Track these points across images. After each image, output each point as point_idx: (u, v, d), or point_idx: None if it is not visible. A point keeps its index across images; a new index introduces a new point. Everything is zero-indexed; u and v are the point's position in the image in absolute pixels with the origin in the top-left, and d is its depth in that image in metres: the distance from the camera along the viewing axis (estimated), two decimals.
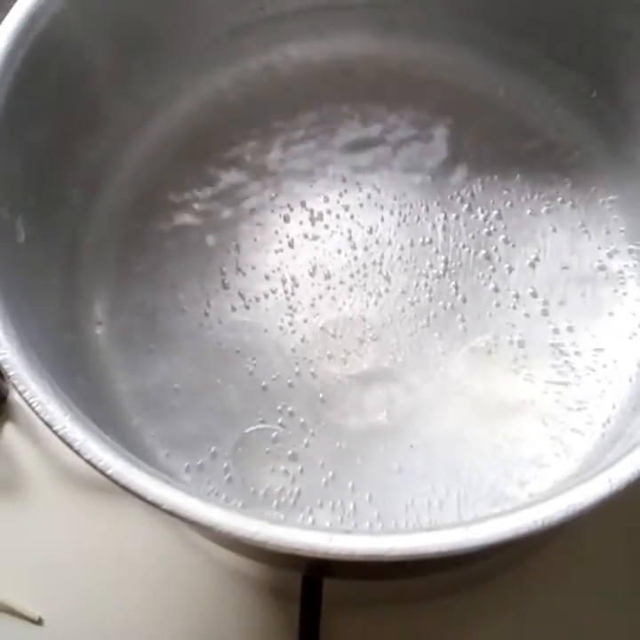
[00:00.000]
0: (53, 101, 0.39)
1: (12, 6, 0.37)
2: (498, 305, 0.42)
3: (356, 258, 0.43)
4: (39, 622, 0.42)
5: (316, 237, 0.44)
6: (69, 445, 0.30)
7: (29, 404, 0.30)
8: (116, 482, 0.29)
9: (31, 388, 0.30)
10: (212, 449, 0.39)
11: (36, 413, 0.30)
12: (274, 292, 0.42)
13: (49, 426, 0.30)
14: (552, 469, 0.39)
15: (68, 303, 0.40)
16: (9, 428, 0.46)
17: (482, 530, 0.28)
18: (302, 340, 0.41)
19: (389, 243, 0.43)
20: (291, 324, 0.42)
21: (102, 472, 0.29)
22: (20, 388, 0.30)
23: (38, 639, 0.42)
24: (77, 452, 0.30)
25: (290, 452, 0.39)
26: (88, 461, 0.29)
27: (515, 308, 0.42)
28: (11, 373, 0.30)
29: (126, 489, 0.29)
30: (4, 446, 0.46)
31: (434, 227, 0.44)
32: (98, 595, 0.43)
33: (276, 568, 0.41)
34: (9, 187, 0.35)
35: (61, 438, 0.30)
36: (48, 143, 0.39)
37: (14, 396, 0.47)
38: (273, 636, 0.41)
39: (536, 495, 0.38)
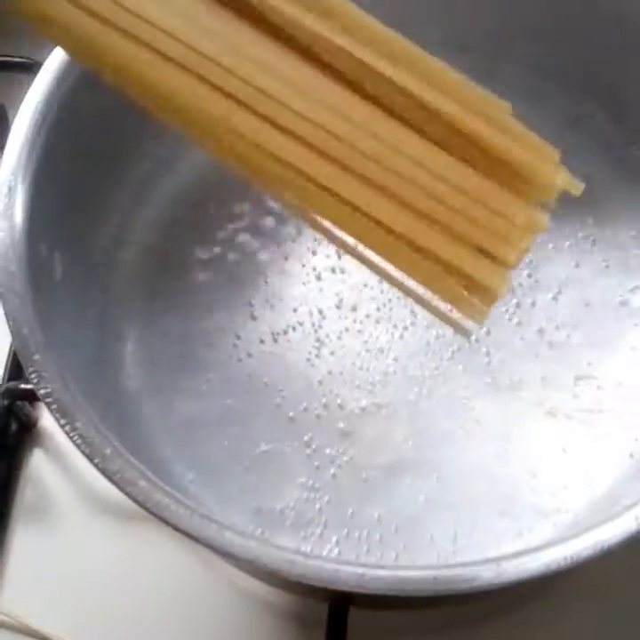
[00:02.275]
0: (82, 152, 0.40)
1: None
2: (522, 338, 0.43)
3: (382, 291, 0.44)
4: None
5: (342, 271, 0.44)
6: (109, 478, 0.30)
7: (70, 438, 0.31)
8: (154, 514, 0.30)
9: (72, 423, 0.31)
10: (240, 479, 0.40)
11: (77, 446, 0.31)
12: (301, 324, 0.43)
13: (89, 459, 0.31)
14: (575, 501, 0.39)
15: (100, 335, 0.41)
16: (38, 454, 0.47)
17: (512, 566, 0.28)
18: (329, 373, 0.42)
19: None
20: (318, 356, 0.43)
21: (141, 505, 0.30)
22: (62, 421, 0.31)
23: None
24: (117, 485, 0.30)
25: (317, 483, 0.40)
26: (128, 494, 0.30)
27: (538, 341, 0.42)
28: (52, 407, 0.31)
29: (164, 521, 0.30)
30: (32, 473, 0.47)
31: None
32: (125, 619, 0.43)
33: (302, 597, 0.41)
34: (47, 225, 0.36)
35: (101, 471, 0.30)
36: (81, 186, 0.40)
37: (43, 423, 0.48)
38: None
39: (560, 526, 0.39)
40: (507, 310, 0.43)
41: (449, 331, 0.43)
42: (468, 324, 0.27)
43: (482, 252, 0.25)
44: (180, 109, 0.26)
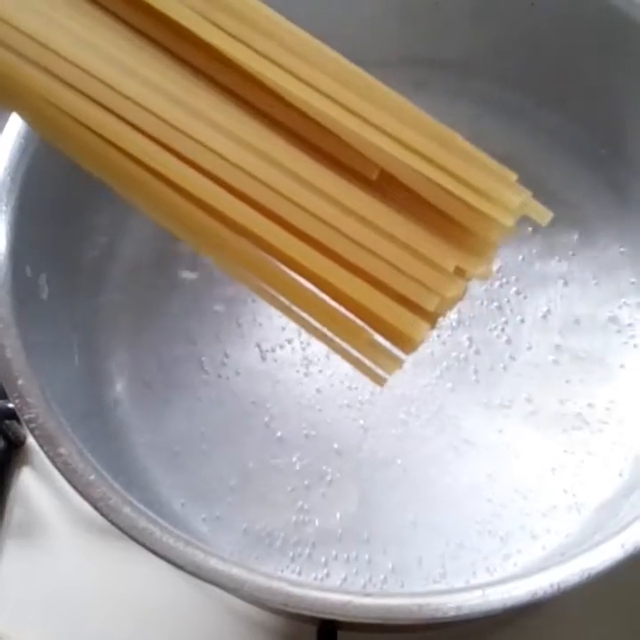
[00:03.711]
0: (66, 172, 0.39)
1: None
2: (511, 357, 0.42)
3: None
4: None
5: None
6: (93, 505, 0.30)
7: (54, 464, 0.31)
8: (138, 542, 0.30)
9: (55, 449, 0.31)
10: (229, 499, 0.40)
11: (60, 473, 0.31)
12: (290, 342, 0.43)
13: (73, 485, 0.30)
14: (564, 522, 0.39)
15: (87, 357, 0.41)
16: (26, 472, 0.47)
17: (498, 594, 0.28)
18: (318, 391, 0.42)
19: None
20: (306, 374, 0.42)
21: (125, 532, 0.30)
22: (45, 448, 0.31)
23: None
24: (100, 511, 0.30)
25: (306, 504, 0.40)
26: (111, 521, 0.30)
27: (527, 359, 0.42)
28: (36, 433, 0.31)
29: (148, 548, 0.30)
30: (21, 490, 0.46)
31: None
32: (114, 638, 0.43)
33: (291, 620, 0.41)
34: (32, 247, 0.36)
35: (85, 498, 0.30)
36: (67, 206, 0.40)
37: (31, 441, 0.47)
38: None
39: (549, 548, 0.39)
40: (495, 328, 0.43)
41: (438, 349, 0.43)
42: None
43: (402, 299, 0.25)
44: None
